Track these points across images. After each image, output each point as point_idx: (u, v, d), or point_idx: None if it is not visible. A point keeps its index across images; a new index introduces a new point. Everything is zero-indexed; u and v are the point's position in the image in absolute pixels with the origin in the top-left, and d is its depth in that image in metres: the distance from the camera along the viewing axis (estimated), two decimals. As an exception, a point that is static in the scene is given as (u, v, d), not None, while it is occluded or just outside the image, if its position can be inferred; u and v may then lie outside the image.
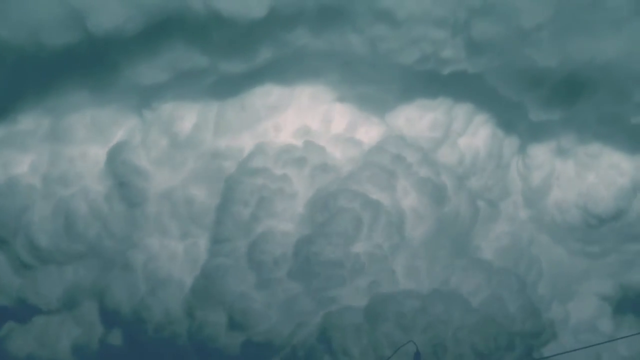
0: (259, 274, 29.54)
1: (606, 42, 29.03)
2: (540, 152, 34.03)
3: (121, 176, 31.39)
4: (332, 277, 29.05)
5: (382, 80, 31.68)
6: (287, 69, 31.04)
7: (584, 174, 33.61)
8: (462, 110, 32.73)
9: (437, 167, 31.55)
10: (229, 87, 31.10)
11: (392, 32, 29.32)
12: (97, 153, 31.80)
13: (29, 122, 31.93)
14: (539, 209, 34.39)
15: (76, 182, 31.66)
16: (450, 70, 30.72)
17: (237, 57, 29.82)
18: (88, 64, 29.78)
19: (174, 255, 31.25)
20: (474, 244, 32.99)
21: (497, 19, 28.84)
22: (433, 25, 29.28)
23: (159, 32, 28.66)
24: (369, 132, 31.70)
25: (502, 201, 34.34)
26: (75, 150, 31.75)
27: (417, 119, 32.21)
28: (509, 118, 33.28)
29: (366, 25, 29.29)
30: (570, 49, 29.20)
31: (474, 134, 33.20)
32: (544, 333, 30.42)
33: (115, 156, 31.53)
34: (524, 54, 29.61)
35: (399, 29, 29.20)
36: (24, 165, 31.87)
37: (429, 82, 31.76)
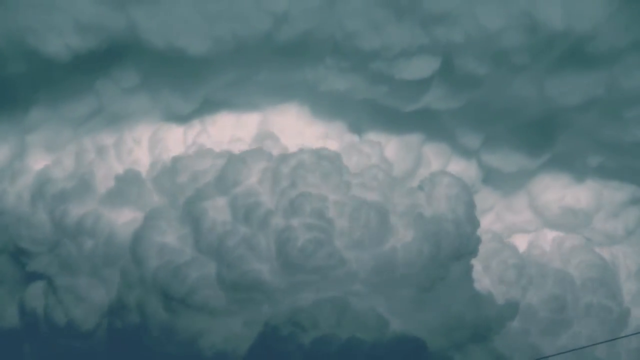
0: None
1: (582, 84, 29.15)
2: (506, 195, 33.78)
3: None
4: None
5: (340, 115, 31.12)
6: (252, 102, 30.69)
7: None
8: (426, 148, 32.09)
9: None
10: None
11: (354, 68, 29.02)
12: None
13: None
14: None
15: None
16: (417, 107, 30.28)
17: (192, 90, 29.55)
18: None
19: None
20: None
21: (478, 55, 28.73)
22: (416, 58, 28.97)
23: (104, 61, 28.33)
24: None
25: None
26: None
27: (377, 154, 31.11)
28: (471, 157, 32.80)
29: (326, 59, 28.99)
30: (547, 90, 29.29)
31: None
32: None
33: None
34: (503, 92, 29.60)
35: (361, 65, 28.93)
36: None
37: (392, 117, 31.06)
